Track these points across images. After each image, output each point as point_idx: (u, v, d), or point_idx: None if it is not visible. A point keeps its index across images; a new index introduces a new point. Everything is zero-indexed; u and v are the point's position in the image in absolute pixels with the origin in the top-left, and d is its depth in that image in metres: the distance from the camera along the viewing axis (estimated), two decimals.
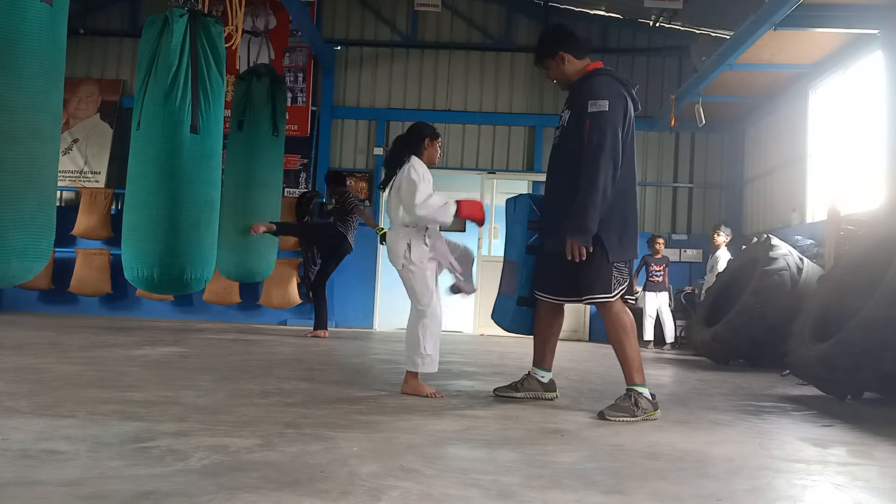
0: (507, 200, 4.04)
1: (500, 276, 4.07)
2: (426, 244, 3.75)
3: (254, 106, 6.73)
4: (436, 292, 3.78)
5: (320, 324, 7.67)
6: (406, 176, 3.68)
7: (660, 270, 9.05)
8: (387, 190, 3.84)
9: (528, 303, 3.82)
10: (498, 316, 4.03)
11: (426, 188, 3.63)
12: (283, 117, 7.12)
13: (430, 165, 3.86)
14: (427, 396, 3.68)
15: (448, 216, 3.65)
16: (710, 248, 9.08)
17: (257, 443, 2.41)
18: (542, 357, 3.83)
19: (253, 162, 6.74)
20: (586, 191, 3.30)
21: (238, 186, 6.67)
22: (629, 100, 3.49)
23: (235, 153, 6.76)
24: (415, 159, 3.77)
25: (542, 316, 3.78)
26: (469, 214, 3.72)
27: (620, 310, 3.46)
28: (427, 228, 3.75)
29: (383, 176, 3.91)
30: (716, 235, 8.79)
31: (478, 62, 10.48)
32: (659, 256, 9.14)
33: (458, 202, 3.69)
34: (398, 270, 3.80)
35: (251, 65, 10.29)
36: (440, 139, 3.92)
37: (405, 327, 3.85)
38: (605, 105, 3.31)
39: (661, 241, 9.28)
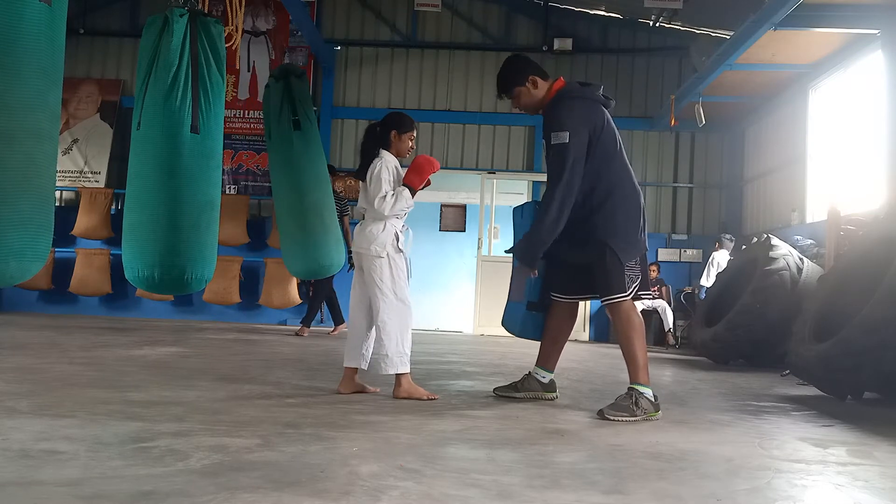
0: (514, 209, 4.07)
1: (510, 283, 4.04)
2: (404, 236, 3.75)
3: (305, 105, 6.66)
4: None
5: (339, 319, 7.99)
6: (376, 173, 3.66)
7: (653, 290, 9.29)
8: (364, 181, 3.77)
9: (537, 308, 3.83)
10: (508, 322, 4.02)
11: (386, 188, 3.63)
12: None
13: (400, 158, 3.81)
14: (427, 399, 3.57)
15: (408, 201, 3.67)
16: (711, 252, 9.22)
17: (257, 443, 2.41)
18: (547, 358, 3.84)
19: (319, 159, 6.68)
20: (537, 226, 3.45)
21: (314, 184, 6.53)
22: (600, 107, 3.55)
23: (302, 152, 6.56)
24: (386, 155, 3.74)
25: (554, 316, 3.81)
26: (422, 182, 3.72)
27: (630, 308, 3.50)
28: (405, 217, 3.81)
29: (357, 165, 3.84)
30: (716, 245, 8.98)
31: (478, 62, 10.49)
32: (653, 279, 9.51)
33: (406, 183, 3.68)
34: (378, 260, 3.63)
35: (251, 65, 10.33)
36: (412, 132, 3.82)
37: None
38: (565, 137, 3.39)
39: (654, 267, 9.72)
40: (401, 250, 3.69)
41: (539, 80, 3.62)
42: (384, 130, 3.81)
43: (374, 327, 3.73)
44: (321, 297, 8.04)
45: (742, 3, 7.09)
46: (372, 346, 3.74)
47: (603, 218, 3.46)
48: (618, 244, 3.44)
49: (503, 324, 4.06)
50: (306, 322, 7.89)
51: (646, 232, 3.62)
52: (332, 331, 8.06)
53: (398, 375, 3.63)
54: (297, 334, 7.66)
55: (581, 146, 3.41)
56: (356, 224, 3.90)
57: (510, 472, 2.21)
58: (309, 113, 6.65)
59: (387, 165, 3.70)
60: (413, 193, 3.70)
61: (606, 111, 3.60)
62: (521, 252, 3.50)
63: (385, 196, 3.62)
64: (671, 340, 9.34)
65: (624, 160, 3.58)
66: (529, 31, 10.55)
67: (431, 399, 3.59)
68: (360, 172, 3.78)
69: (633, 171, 3.63)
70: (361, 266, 3.72)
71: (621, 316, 3.48)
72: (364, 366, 3.74)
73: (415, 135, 3.88)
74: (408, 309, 3.67)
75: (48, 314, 9.53)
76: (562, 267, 3.70)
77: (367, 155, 3.77)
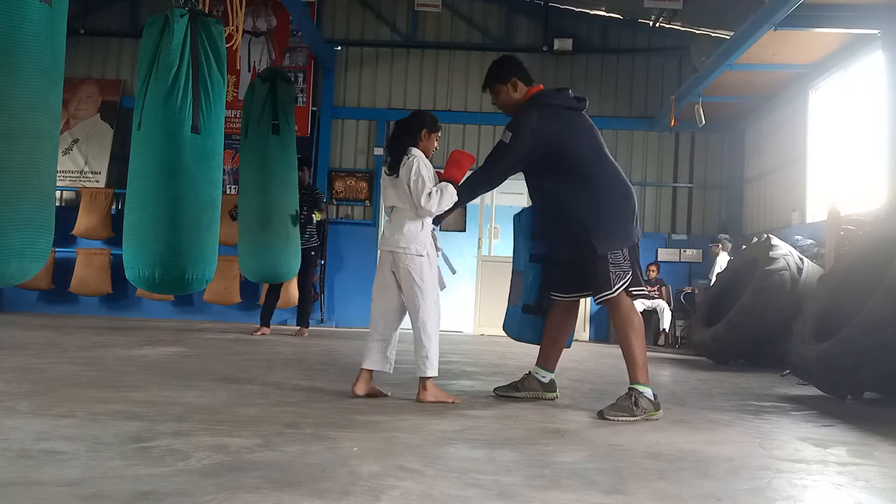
0: (514, 216, 4.12)
1: (510, 287, 4.09)
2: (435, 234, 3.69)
3: (288, 110, 6.65)
4: None
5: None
6: (415, 170, 3.53)
7: (653, 290, 9.42)
8: (391, 175, 3.63)
9: (533, 311, 3.86)
10: (507, 326, 4.05)
11: (430, 185, 3.53)
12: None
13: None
14: (452, 403, 3.49)
15: (453, 197, 3.58)
16: (711, 256, 9.23)
17: (257, 443, 2.41)
18: (547, 357, 3.85)
19: (292, 166, 6.70)
20: (454, 189, 3.61)
21: (284, 190, 6.54)
22: (568, 112, 3.60)
23: (277, 156, 6.53)
24: (418, 152, 3.63)
25: (553, 316, 3.83)
26: (462, 177, 3.65)
27: (629, 308, 3.51)
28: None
29: (388, 160, 3.68)
30: (716, 248, 8.96)
31: (478, 62, 10.47)
32: (652, 279, 9.54)
33: (449, 180, 3.60)
34: (419, 259, 3.52)
35: (251, 65, 10.33)
36: (439, 132, 3.76)
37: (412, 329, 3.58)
38: (507, 137, 3.55)
39: (654, 267, 9.73)
40: (439, 248, 3.65)
41: (520, 84, 3.71)
42: (415, 127, 3.69)
43: (398, 330, 3.65)
44: (309, 295, 7.89)
45: (742, 3, 7.10)
46: (395, 349, 3.64)
47: (591, 216, 3.49)
48: (597, 239, 3.46)
49: (503, 328, 4.10)
50: (303, 323, 7.85)
51: (635, 224, 3.59)
52: (299, 330, 7.76)
53: (424, 379, 3.53)
54: (296, 335, 7.65)
55: (520, 153, 3.53)
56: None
57: (510, 472, 2.21)
58: (290, 119, 6.63)
59: (424, 162, 3.60)
60: (455, 187, 3.60)
61: (582, 113, 3.65)
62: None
63: (430, 193, 3.50)
64: (662, 340, 9.37)
65: (607, 158, 3.61)
66: (529, 31, 10.55)
67: (455, 402, 3.51)
68: (392, 168, 3.63)
69: (619, 168, 3.66)
70: (392, 267, 3.59)
71: (621, 315, 3.49)
72: (389, 370, 3.61)
73: (440, 135, 3.81)
74: (436, 309, 3.58)
75: (48, 314, 9.53)
76: (558, 266, 3.74)
77: (398, 151, 3.64)
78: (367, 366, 3.60)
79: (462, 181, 3.62)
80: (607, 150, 3.65)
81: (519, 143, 3.52)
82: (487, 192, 3.81)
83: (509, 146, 3.52)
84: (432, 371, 3.51)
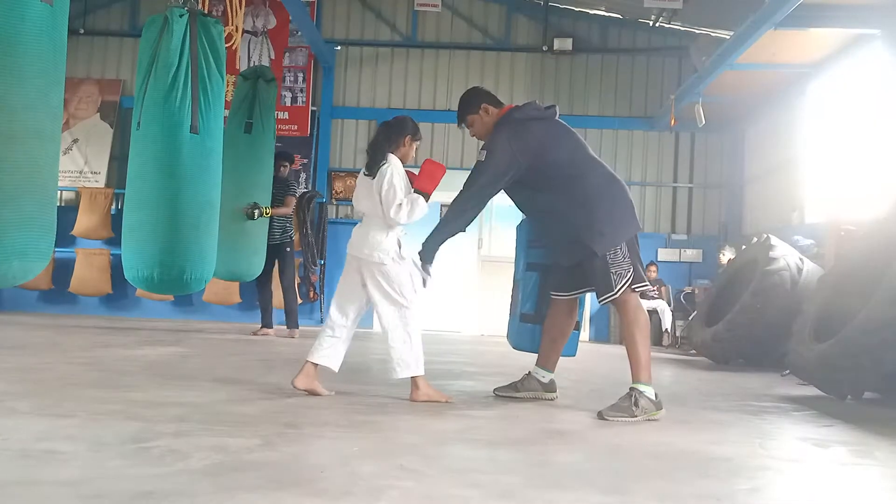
0: (517, 227, 4.16)
1: (511, 297, 4.15)
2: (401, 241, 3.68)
3: (265, 110, 6.61)
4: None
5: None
6: (388, 179, 3.54)
7: (653, 290, 9.43)
8: (369, 176, 3.63)
9: (531, 319, 3.90)
10: (508, 334, 4.13)
11: (401, 196, 3.53)
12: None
13: (403, 163, 3.72)
14: (445, 402, 3.50)
15: (424, 209, 3.58)
16: (717, 266, 9.23)
17: (257, 443, 2.41)
18: (547, 357, 3.85)
19: (263, 168, 6.67)
20: (437, 227, 3.63)
21: (251, 193, 6.52)
22: (540, 122, 3.63)
23: (246, 156, 6.49)
24: (395, 160, 3.63)
25: (553, 315, 3.84)
26: (434, 188, 3.63)
27: (636, 306, 3.52)
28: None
29: (367, 161, 3.68)
30: (721, 255, 8.95)
31: (478, 62, 10.49)
32: (652, 279, 9.58)
33: (419, 189, 3.58)
34: (382, 266, 3.55)
35: (251, 65, 10.32)
36: (420, 142, 3.79)
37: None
38: (482, 156, 3.60)
39: (653, 267, 9.73)
40: (403, 258, 3.62)
41: (491, 108, 3.74)
42: (399, 132, 3.69)
43: (353, 332, 3.69)
44: (288, 293, 7.46)
45: (742, 3, 7.10)
46: (344, 351, 3.65)
47: (582, 219, 3.49)
48: (593, 239, 3.46)
49: (507, 336, 4.16)
50: (290, 324, 7.54)
51: (630, 217, 3.59)
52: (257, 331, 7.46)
53: (414, 378, 3.55)
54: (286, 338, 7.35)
55: (496, 169, 3.55)
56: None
57: (511, 472, 2.21)
58: (266, 120, 6.54)
59: (398, 172, 3.60)
60: (426, 200, 3.60)
61: (556, 120, 3.67)
62: (423, 250, 3.59)
63: (401, 204, 3.51)
64: (665, 341, 9.36)
65: (590, 158, 3.62)
66: (529, 31, 10.55)
67: (448, 402, 3.51)
68: (371, 169, 3.62)
69: (606, 165, 3.66)
70: (359, 270, 3.61)
71: (628, 314, 3.50)
72: (335, 367, 3.62)
73: (419, 143, 3.83)
74: (414, 311, 3.60)
75: (48, 314, 9.53)
76: (557, 269, 3.75)
77: (379, 153, 3.63)
78: (314, 359, 3.57)
79: (447, 216, 3.61)
80: (591, 151, 3.66)
81: (494, 159, 3.55)
82: (476, 212, 3.66)
83: (485, 163, 3.56)
84: (406, 373, 3.52)
